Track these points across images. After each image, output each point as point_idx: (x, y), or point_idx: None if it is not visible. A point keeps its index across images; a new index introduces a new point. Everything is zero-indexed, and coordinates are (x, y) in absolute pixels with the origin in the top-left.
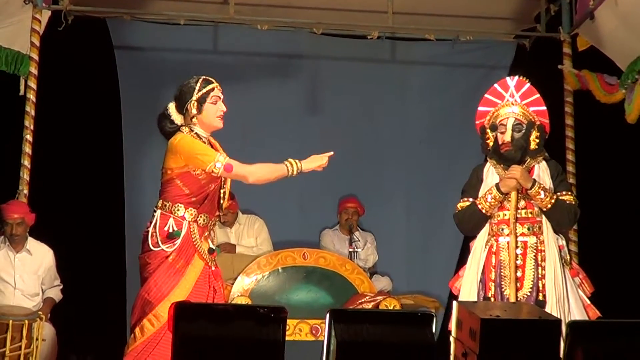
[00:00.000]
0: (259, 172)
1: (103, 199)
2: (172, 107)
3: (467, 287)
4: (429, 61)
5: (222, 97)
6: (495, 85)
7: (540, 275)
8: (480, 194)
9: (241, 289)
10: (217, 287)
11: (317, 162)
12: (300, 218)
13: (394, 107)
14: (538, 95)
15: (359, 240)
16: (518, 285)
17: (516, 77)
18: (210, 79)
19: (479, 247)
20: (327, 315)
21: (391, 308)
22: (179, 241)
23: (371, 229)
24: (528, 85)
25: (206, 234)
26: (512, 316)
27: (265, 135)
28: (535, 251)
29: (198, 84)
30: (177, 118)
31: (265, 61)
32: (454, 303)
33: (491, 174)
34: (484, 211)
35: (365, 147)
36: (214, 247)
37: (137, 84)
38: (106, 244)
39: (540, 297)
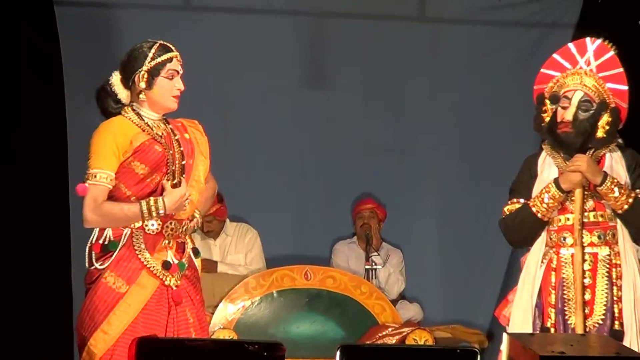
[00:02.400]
0: (96, 221)
1: (44, 206)
2: (116, 79)
3: (520, 315)
4: (468, 19)
5: (181, 72)
6: (570, 45)
7: (615, 298)
8: (535, 192)
9: (224, 320)
10: (179, 315)
11: (177, 204)
12: (302, 227)
13: (421, 79)
14: (621, 69)
15: (378, 254)
16: (587, 311)
17: (598, 41)
18: (169, 45)
19: (533, 262)
20: (338, 353)
21: (422, 343)
22: (114, 255)
23: (395, 240)
24: (612, 53)
25: (166, 242)
26: (580, 353)
27: (254, 113)
28: (608, 266)
29: (152, 50)
30: (123, 94)
31: (253, 20)
32: (504, 336)
33: (548, 167)
34: (539, 215)
35: (385, 132)
36: (171, 261)
37: (85, 52)
38: (50, 257)
39: (617, 327)
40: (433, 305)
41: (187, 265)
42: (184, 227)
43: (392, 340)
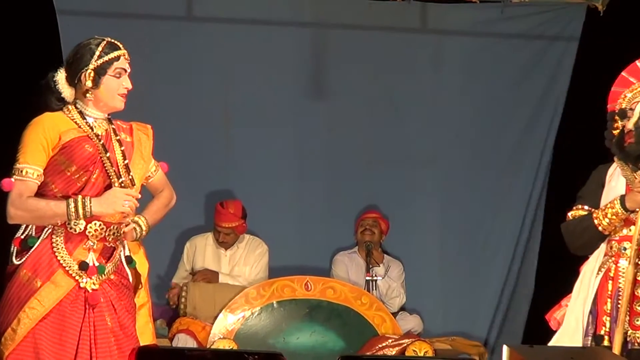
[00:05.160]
0: (21, 217)
1: None
2: (61, 77)
3: (572, 321)
4: (471, 30)
5: (129, 70)
6: (637, 61)
7: None
8: (602, 201)
9: (224, 330)
10: (97, 319)
11: (111, 205)
12: (303, 238)
13: (423, 90)
14: None
15: (379, 266)
16: (639, 322)
17: None
18: (117, 43)
19: (589, 271)
20: None
21: (422, 354)
22: (31, 251)
23: (395, 253)
24: None
25: (90, 244)
26: None
27: (254, 124)
28: None
29: (99, 48)
30: (67, 92)
31: (255, 30)
32: (504, 348)
33: (616, 178)
34: (600, 228)
35: (386, 143)
36: (90, 262)
37: None
38: None
39: None
40: (433, 317)
41: (110, 269)
42: (113, 231)
43: (392, 352)
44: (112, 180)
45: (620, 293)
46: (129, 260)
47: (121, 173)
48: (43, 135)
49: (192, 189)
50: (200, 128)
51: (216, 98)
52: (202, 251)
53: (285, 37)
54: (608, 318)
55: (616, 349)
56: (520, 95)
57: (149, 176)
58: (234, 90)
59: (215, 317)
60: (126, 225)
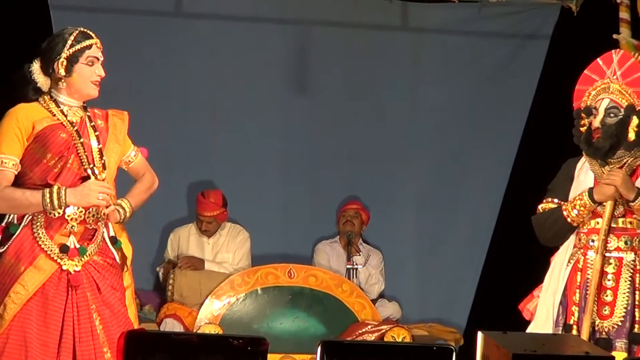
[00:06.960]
0: None
1: None
2: (36, 67)
3: (543, 311)
4: (449, 29)
5: (101, 58)
6: (598, 59)
7: (637, 302)
8: (571, 194)
9: (210, 315)
10: (80, 300)
11: (85, 197)
12: (286, 226)
13: (403, 87)
14: None
15: (359, 255)
16: (607, 312)
17: (622, 51)
18: (89, 32)
19: (559, 262)
20: (318, 349)
21: (400, 340)
22: (14, 237)
23: (375, 242)
24: (632, 60)
25: (70, 227)
26: (552, 351)
27: (239, 118)
28: (632, 271)
29: (72, 37)
30: (43, 82)
31: (241, 27)
32: (479, 334)
33: (585, 172)
34: (569, 220)
35: (366, 138)
36: (71, 245)
37: None
38: None
39: (637, 329)
40: (411, 305)
41: (93, 250)
42: (92, 213)
43: (371, 337)
44: (85, 166)
45: (589, 284)
46: (114, 241)
47: (95, 158)
48: (17, 126)
49: (178, 181)
50: (186, 122)
51: (202, 92)
52: (185, 241)
53: (271, 33)
54: (577, 308)
55: (584, 338)
56: (496, 91)
57: (129, 161)
58: (220, 84)
59: (202, 303)
60: (107, 207)
